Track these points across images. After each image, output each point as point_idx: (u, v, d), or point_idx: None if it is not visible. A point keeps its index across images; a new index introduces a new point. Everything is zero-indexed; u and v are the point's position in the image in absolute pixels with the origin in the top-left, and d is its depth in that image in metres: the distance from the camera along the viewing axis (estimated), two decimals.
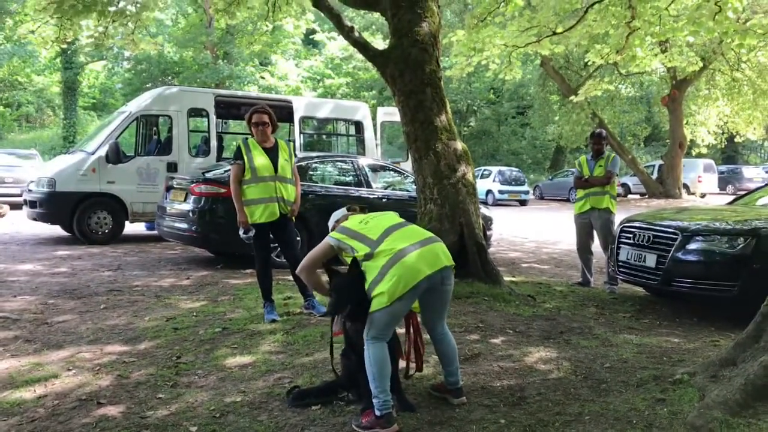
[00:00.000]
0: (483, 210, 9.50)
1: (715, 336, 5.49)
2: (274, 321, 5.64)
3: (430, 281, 3.52)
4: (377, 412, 3.42)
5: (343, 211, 4.11)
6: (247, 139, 5.92)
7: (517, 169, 31.11)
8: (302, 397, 3.81)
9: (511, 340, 5.13)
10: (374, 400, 3.44)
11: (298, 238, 8.62)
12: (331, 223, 4.08)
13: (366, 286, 3.53)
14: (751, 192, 8.42)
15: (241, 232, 5.77)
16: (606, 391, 4.00)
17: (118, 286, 7.46)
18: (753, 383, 3.60)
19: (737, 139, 31.44)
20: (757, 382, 3.60)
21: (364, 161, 10.60)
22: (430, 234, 3.80)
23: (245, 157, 5.70)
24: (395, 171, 10.87)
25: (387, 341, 3.55)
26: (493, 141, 44.67)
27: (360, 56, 16.45)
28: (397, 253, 3.49)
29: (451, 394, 3.86)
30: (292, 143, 6.21)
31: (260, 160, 5.70)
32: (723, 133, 30.14)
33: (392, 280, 3.41)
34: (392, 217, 3.86)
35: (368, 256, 3.54)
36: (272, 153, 5.80)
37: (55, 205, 11.14)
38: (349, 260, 3.70)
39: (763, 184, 9.53)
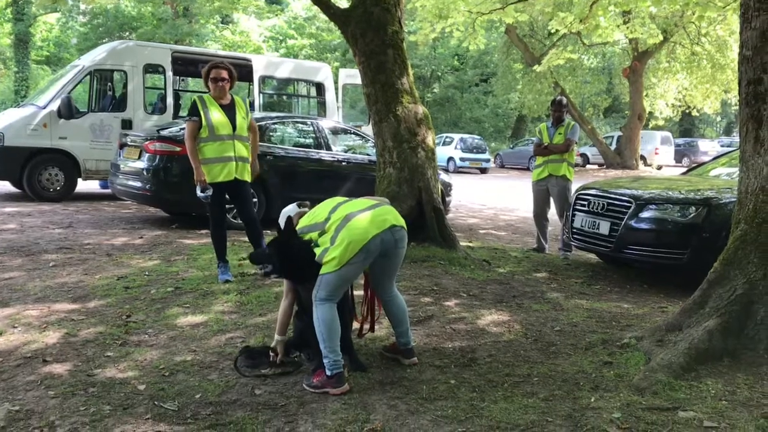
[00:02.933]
0: (442, 176, 9.52)
1: (664, 302, 5.62)
2: (227, 281, 5.57)
3: (384, 244, 3.50)
4: (328, 372, 3.42)
5: (293, 207, 3.94)
6: (203, 95, 5.73)
7: (478, 137, 31.21)
8: (252, 356, 3.77)
9: (464, 303, 5.17)
10: (324, 360, 3.44)
11: (255, 200, 8.55)
12: (282, 220, 3.81)
13: (317, 254, 3.49)
14: (704, 163, 8.58)
15: (198, 191, 5.57)
16: (555, 354, 4.07)
17: (68, 243, 7.29)
18: (696, 347, 3.70)
19: (694, 113, 31.97)
20: (701, 346, 3.71)
21: (324, 123, 10.47)
22: (378, 200, 3.78)
23: (201, 114, 5.47)
24: (356, 134, 10.78)
25: (337, 302, 3.54)
26: (455, 108, 44.64)
27: (324, 16, 16.17)
28: (344, 218, 3.48)
29: (403, 355, 3.88)
30: (249, 101, 6.01)
31: (218, 117, 5.49)
32: (681, 106, 30.63)
33: (342, 245, 3.39)
34: (338, 198, 3.79)
35: (321, 234, 3.52)
36: (229, 110, 5.58)
37: (4, 160, 10.77)
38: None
39: (715, 156, 9.72)
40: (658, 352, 3.79)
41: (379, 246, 3.49)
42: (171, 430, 3.00)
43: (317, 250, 3.50)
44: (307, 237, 3.57)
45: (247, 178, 5.76)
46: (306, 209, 3.88)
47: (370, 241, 3.43)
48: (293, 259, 3.59)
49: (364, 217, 3.50)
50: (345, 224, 3.44)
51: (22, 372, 3.66)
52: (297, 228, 3.65)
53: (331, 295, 3.49)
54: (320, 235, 3.51)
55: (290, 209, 3.91)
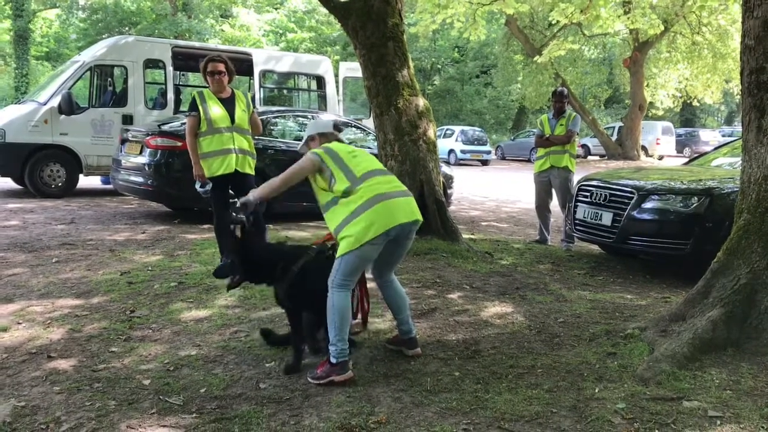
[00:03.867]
0: (444, 168, 9.49)
1: (667, 293, 5.62)
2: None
3: (402, 230, 3.54)
4: (333, 360, 3.44)
5: (329, 124, 3.89)
6: (202, 90, 5.72)
7: (479, 129, 31.14)
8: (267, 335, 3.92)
9: (467, 296, 5.18)
10: (331, 348, 3.45)
11: None
12: (311, 132, 3.85)
13: (334, 226, 3.51)
14: (706, 153, 8.56)
15: (197, 186, 5.59)
16: (559, 345, 4.08)
17: (71, 239, 7.29)
18: (700, 337, 3.70)
19: (695, 103, 31.88)
20: (704, 336, 3.71)
21: (325, 116, 10.45)
22: (406, 188, 3.78)
23: (200, 108, 5.46)
24: (357, 128, 10.76)
25: (351, 290, 3.55)
26: (456, 100, 44.54)
27: (323, 10, 16.12)
28: (376, 196, 3.47)
29: (406, 345, 3.88)
30: (251, 95, 5.95)
31: (216, 110, 5.47)
32: (681, 97, 30.53)
33: (364, 224, 3.39)
34: (376, 161, 3.80)
35: (346, 193, 3.49)
36: (229, 104, 5.56)
37: (5, 156, 10.77)
38: (321, 186, 3.61)
39: (717, 146, 9.70)
40: (662, 343, 3.79)
41: (398, 233, 3.53)
42: (176, 424, 3.01)
43: (335, 212, 3.51)
44: (333, 168, 3.54)
45: (249, 171, 5.70)
46: (339, 134, 3.88)
47: (393, 228, 3.46)
48: (256, 262, 3.65)
49: (395, 203, 3.52)
50: (374, 204, 3.44)
51: (28, 368, 3.67)
52: (330, 147, 3.65)
53: (348, 280, 3.49)
54: (344, 192, 3.49)
55: (325, 125, 3.87)
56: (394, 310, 3.90)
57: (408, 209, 3.57)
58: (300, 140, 9.76)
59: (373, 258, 3.58)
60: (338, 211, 3.51)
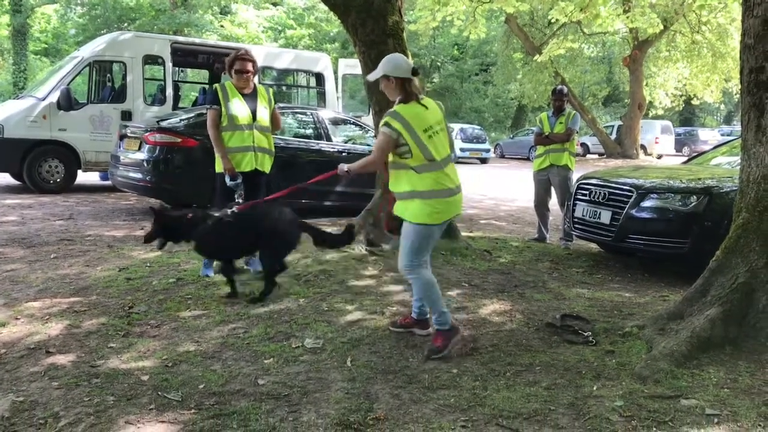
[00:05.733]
0: None
1: (665, 291, 5.62)
2: (207, 276, 5.43)
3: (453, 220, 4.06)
4: (445, 327, 3.86)
5: (408, 68, 3.86)
6: (224, 83, 5.53)
7: (478, 127, 31.13)
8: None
9: (466, 293, 5.18)
10: (436, 321, 3.87)
11: None
12: (386, 70, 3.85)
13: (406, 188, 3.80)
14: (704, 152, 8.57)
15: (227, 180, 5.37)
16: (557, 343, 4.08)
17: (69, 235, 7.29)
18: (698, 336, 3.71)
19: (694, 102, 31.89)
20: (703, 334, 3.72)
21: (324, 114, 10.44)
22: (459, 182, 3.97)
23: (222, 103, 5.31)
24: (356, 125, 10.75)
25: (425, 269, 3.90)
26: (455, 98, 44.54)
27: (323, 6, 16.09)
28: (447, 189, 3.80)
29: (420, 325, 4.13)
30: (272, 90, 5.80)
31: (238, 106, 5.32)
32: (681, 95, 30.54)
33: (433, 207, 3.75)
34: (446, 147, 3.92)
35: (422, 168, 3.74)
36: (251, 100, 5.42)
37: (4, 152, 10.77)
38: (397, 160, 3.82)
39: (716, 145, 9.70)
40: (660, 341, 3.80)
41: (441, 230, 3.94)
42: (175, 420, 3.01)
43: (407, 181, 3.77)
44: (410, 142, 3.71)
45: (267, 169, 5.58)
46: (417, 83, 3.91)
47: (448, 220, 3.91)
48: (172, 228, 4.71)
49: (456, 197, 3.88)
50: (445, 196, 3.78)
51: (26, 363, 3.67)
52: (406, 117, 3.74)
53: (420, 259, 3.85)
54: (421, 167, 3.73)
55: (403, 69, 3.85)
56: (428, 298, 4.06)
57: (459, 205, 3.94)
58: (299, 137, 9.80)
59: (435, 239, 3.96)
60: (414, 177, 3.77)
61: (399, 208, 3.88)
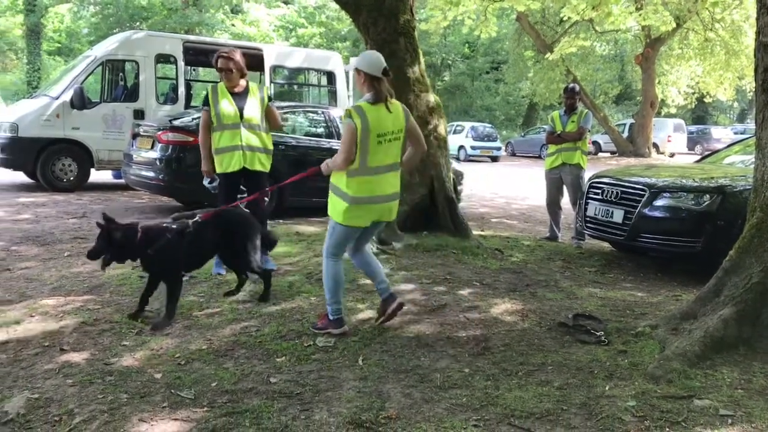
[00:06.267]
0: (454, 165, 9.49)
1: (678, 291, 5.60)
2: (219, 274, 5.46)
3: (379, 224, 4.24)
4: (330, 316, 4.11)
5: (380, 66, 3.92)
6: (216, 84, 5.63)
7: (489, 126, 31.08)
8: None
9: (477, 292, 5.17)
10: (328, 307, 4.11)
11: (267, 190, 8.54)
12: (357, 64, 3.95)
13: (334, 182, 3.98)
14: (718, 151, 8.51)
15: (205, 182, 5.54)
16: (569, 343, 4.07)
17: (83, 233, 7.34)
18: (712, 336, 3.69)
19: (707, 100, 31.66)
20: (716, 334, 3.70)
21: (335, 112, 10.45)
22: (397, 189, 4.10)
23: (211, 103, 5.40)
24: None
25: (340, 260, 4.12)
26: (466, 96, 44.45)
27: (334, 5, 16.09)
28: (374, 197, 3.95)
29: (388, 302, 4.23)
30: (266, 88, 5.80)
31: (225, 105, 5.37)
32: (694, 93, 30.34)
33: (354, 213, 3.93)
34: (393, 155, 4.01)
35: (353, 173, 3.88)
36: (240, 99, 5.44)
37: (18, 150, 10.86)
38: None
39: (729, 144, 9.64)
40: (673, 341, 3.79)
41: (376, 226, 4.20)
42: (187, 417, 3.03)
43: (341, 176, 3.93)
44: (357, 141, 3.83)
45: (261, 167, 5.54)
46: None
47: (371, 225, 4.09)
48: (122, 244, 4.18)
49: (378, 206, 4.01)
50: (365, 203, 3.93)
51: (41, 360, 3.70)
52: (368, 116, 3.85)
53: (338, 251, 4.08)
54: (351, 172, 3.87)
55: (378, 65, 3.91)
56: (372, 275, 4.28)
57: (385, 213, 4.09)
58: (310, 136, 9.82)
59: (354, 237, 4.12)
60: (344, 179, 3.91)
61: (329, 201, 4.06)
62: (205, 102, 5.47)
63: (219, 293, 4.99)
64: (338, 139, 9.63)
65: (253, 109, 5.47)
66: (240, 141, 5.40)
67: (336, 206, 3.98)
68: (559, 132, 8.02)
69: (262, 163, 5.57)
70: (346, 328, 4.12)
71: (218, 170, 5.48)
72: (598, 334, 4.14)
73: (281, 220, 8.69)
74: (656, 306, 4.88)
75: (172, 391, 3.29)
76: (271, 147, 5.67)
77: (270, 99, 5.76)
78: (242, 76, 5.50)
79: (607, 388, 3.34)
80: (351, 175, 3.88)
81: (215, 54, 5.57)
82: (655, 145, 30.19)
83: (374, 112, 3.87)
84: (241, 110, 5.41)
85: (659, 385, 3.36)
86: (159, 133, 8.66)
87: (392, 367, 3.64)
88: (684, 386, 3.33)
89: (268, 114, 5.62)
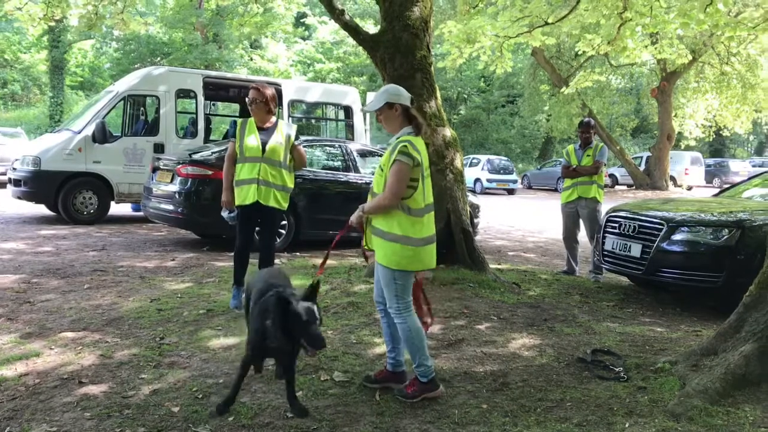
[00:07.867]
0: (470, 198, 9.50)
1: (698, 326, 5.53)
2: (237, 309, 5.43)
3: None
4: (423, 379, 3.62)
5: (408, 96, 3.68)
6: (247, 118, 5.68)
7: (505, 158, 31.12)
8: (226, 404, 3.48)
9: (495, 327, 5.15)
10: (417, 370, 3.62)
11: (284, 222, 8.61)
12: (392, 99, 3.64)
13: (387, 228, 3.55)
14: (736, 185, 8.47)
15: (223, 213, 5.59)
16: (588, 379, 4.03)
17: (102, 266, 7.41)
18: (733, 373, 3.64)
19: (724, 133, 31.54)
20: (737, 371, 3.65)
21: (352, 146, 10.54)
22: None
23: (237, 136, 5.51)
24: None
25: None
26: (482, 129, 44.62)
27: (351, 41, 16.29)
28: (431, 236, 3.65)
29: (396, 380, 3.83)
30: (296, 125, 5.84)
31: (251, 140, 5.45)
32: (711, 126, 30.27)
33: (421, 255, 3.57)
34: (430, 189, 3.75)
35: (418, 212, 3.56)
36: (266, 134, 5.50)
37: (40, 184, 11.03)
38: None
39: (748, 177, 9.59)
40: (693, 377, 3.74)
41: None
42: None
43: (396, 218, 3.53)
44: (417, 177, 3.51)
45: (275, 204, 5.52)
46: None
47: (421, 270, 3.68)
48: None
49: (430, 248, 3.64)
50: (421, 245, 3.57)
51: (59, 393, 3.72)
52: (419, 148, 3.57)
53: (408, 303, 3.65)
54: (407, 209, 3.51)
55: (406, 95, 3.70)
56: (396, 338, 3.82)
57: (432, 256, 3.70)
58: (327, 169, 9.88)
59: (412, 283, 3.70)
60: (406, 220, 3.54)
61: (378, 251, 3.63)
62: (233, 133, 5.56)
63: (236, 326, 5.00)
64: (355, 171, 9.71)
65: (276, 145, 5.50)
66: (257, 174, 5.44)
67: (397, 252, 3.53)
68: (574, 166, 8.03)
69: (278, 200, 5.56)
70: (442, 389, 3.69)
71: (237, 202, 5.54)
72: (617, 370, 4.09)
73: (298, 253, 8.73)
74: (676, 341, 4.83)
75: (190, 425, 3.29)
76: (291, 185, 5.67)
77: (297, 138, 5.78)
78: (270, 112, 5.56)
79: (627, 426, 3.30)
80: (415, 215, 3.54)
81: (249, 88, 5.66)
82: (672, 178, 30.07)
83: (420, 144, 3.61)
84: (264, 144, 5.46)
85: (680, 422, 3.31)
86: (178, 166, 8.77)
87: (409, 402, 3.62)
88: (705, 424, 3.28)
89: (293, 152, 5.65)
